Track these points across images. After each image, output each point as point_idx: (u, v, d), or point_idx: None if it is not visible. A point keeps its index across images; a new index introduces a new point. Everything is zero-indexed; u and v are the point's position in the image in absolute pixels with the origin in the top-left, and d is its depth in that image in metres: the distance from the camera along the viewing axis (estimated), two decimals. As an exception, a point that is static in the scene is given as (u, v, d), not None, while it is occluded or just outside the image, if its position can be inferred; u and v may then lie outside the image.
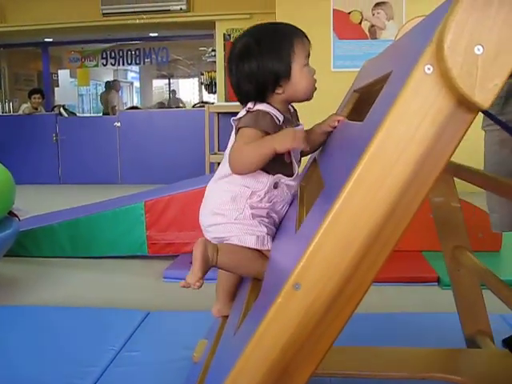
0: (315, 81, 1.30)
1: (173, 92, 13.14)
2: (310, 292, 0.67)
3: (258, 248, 1.25)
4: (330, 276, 0.66)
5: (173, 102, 12.31)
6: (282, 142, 1.17)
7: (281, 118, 1.27)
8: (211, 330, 1.63)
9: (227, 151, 1.30)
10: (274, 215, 1.32)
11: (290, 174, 1.30)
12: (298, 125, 1.36)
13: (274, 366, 0.70)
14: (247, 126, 1.24)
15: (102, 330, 2.18)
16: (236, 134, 1.28)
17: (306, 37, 1.30)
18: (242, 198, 1.27)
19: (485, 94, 0.61)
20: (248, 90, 1.30)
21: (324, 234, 0.66)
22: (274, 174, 1.27)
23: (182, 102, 12.30)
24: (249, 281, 1.27)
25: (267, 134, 1.23)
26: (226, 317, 1.47)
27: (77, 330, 2.19)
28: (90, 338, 2.09)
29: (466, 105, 0.63)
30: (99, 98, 11.97)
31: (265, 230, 1.27)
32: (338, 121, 1.26)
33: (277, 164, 1.26)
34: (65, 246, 3.52)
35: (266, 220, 1.29)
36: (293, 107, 1.40)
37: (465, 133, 0.65)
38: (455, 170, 1.42)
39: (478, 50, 0.60)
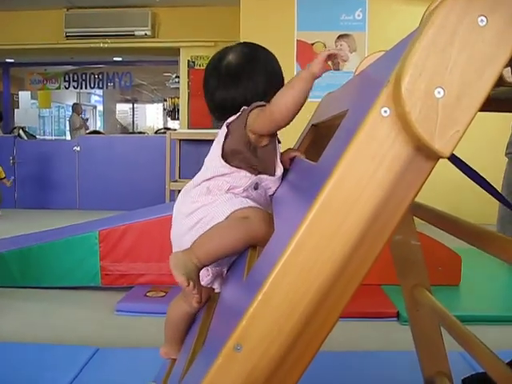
0: None
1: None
2: (253, 354, 0.60)
3: (234, 210, 1.15)
4: (275, 336, 0.59)
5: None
6: (316, 63, 1.08)
7: None
8: (160, 372, 1.54)
9: (209, 157, 1.26)
10: None
11: (271, 175, 1.23)
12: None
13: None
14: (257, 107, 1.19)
15: (46, 368, 2.05)
16: (228, 130, 1.23)
17: None
18: (220, 191, 1.20)
19: (445, 142, 0.55)
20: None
21: (268, 291, 0.59)
22: (256, 175, 1.21)
23: (120, 124, 12.12)
24: (197, 325, 1.20)
25: None
26: (175, 359, 1.39)
27: (19, 368, 2.06)
28: (32, 377, 1.97)
29: (425, 152, 0.57)
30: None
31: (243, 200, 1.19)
32: (292, 158, 1.24)
33: (262, 163, 1.21)
34: (15, 275, 3.36)
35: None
36: None
37: (424, 181, 0.60)
38: (415, 209, 1.39)
39: (439, 93, 0.55)
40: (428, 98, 0.55)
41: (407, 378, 1.78)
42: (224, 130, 1.24)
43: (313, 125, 1.43)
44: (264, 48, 1.42)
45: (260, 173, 1.22)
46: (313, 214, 0.59)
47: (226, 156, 1.22)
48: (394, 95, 0.57)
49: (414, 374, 1.65)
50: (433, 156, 0.57)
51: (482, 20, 0.54)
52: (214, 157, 1.24)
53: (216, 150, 1.24)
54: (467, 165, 1.01)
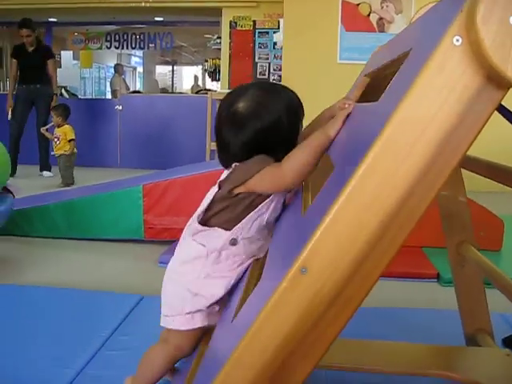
0: None
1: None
2: (318, 277, 0.62)
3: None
4: (339, 262, 0.61)
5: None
6: (335, 126, 1.04)
7: None
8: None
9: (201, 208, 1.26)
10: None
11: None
12: None
13: (273, 357, 0.65)
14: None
15: (93, 312, 2.13)
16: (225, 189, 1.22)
17: None
18: (200, 260, 1.26)
19: (518, 70, 0.55)
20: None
21: (333, 219, 0.61)
22: (230, 230, 1.20)
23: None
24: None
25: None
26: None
27: (66, 311, 2.13)
28: (80, 320, 2.04)
29: (496, 80, 0.57)
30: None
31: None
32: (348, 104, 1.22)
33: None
34: (60, 226, 3.46)
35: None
36: None
37: (491, 115, 0.60)
38: (463, 161, 1.37)
39: (514, 20, 0.55)
40: (503, 25, 0.55)
41: (448, 334, 1.79)
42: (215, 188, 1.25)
43: (365, 75, 1.41)
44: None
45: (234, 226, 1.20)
46: (378, 147, 0.60)
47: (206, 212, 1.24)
48: (467, 23, 0.57)
49: (455, 331, 1.67)
50: (504, 84, 0.57)
51: None
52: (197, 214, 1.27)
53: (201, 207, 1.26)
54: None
